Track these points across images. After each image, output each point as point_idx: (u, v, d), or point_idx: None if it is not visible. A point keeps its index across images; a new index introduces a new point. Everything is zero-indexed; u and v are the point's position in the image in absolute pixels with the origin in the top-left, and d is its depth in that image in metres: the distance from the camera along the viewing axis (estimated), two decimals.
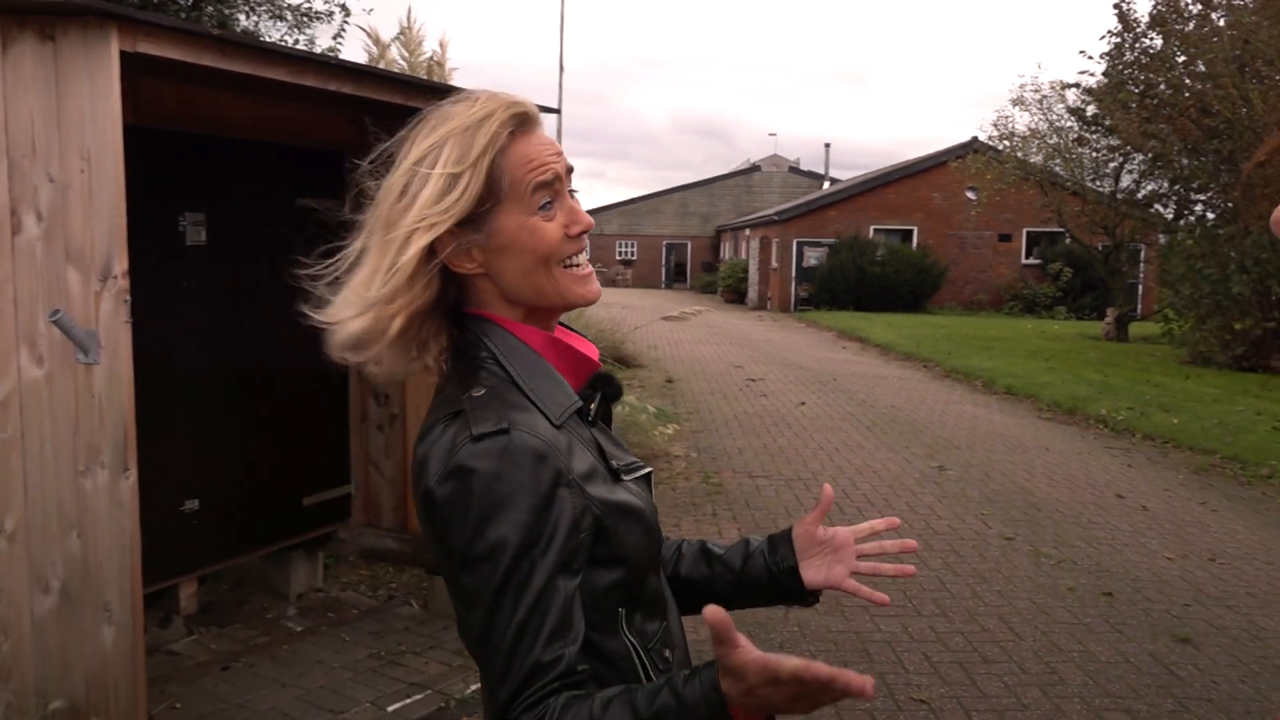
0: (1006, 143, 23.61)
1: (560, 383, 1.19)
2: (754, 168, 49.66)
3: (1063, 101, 22.16)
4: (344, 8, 8.73)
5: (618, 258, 48.06)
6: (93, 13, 2.65)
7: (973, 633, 4.53)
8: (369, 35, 8.23)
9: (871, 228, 30.54)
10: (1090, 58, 33.37)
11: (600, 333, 12.22)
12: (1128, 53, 18.12)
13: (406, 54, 8.31)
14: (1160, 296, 19.55)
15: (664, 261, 48.85)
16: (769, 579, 1.41)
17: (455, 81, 8.39)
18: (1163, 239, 19.42)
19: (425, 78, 7.97)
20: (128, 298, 2.79)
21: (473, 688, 3.83)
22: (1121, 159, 20.52)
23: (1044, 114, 23.17)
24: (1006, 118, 24.75)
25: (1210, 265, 15.43)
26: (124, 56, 2.73)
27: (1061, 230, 24.36)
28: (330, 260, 1.23)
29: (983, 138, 26.46)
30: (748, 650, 0.95)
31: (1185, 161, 16.48)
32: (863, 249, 28.85)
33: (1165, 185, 18.57)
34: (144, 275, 3.49)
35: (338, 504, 4.88)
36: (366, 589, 4.97)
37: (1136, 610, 4.87)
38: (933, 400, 11.98)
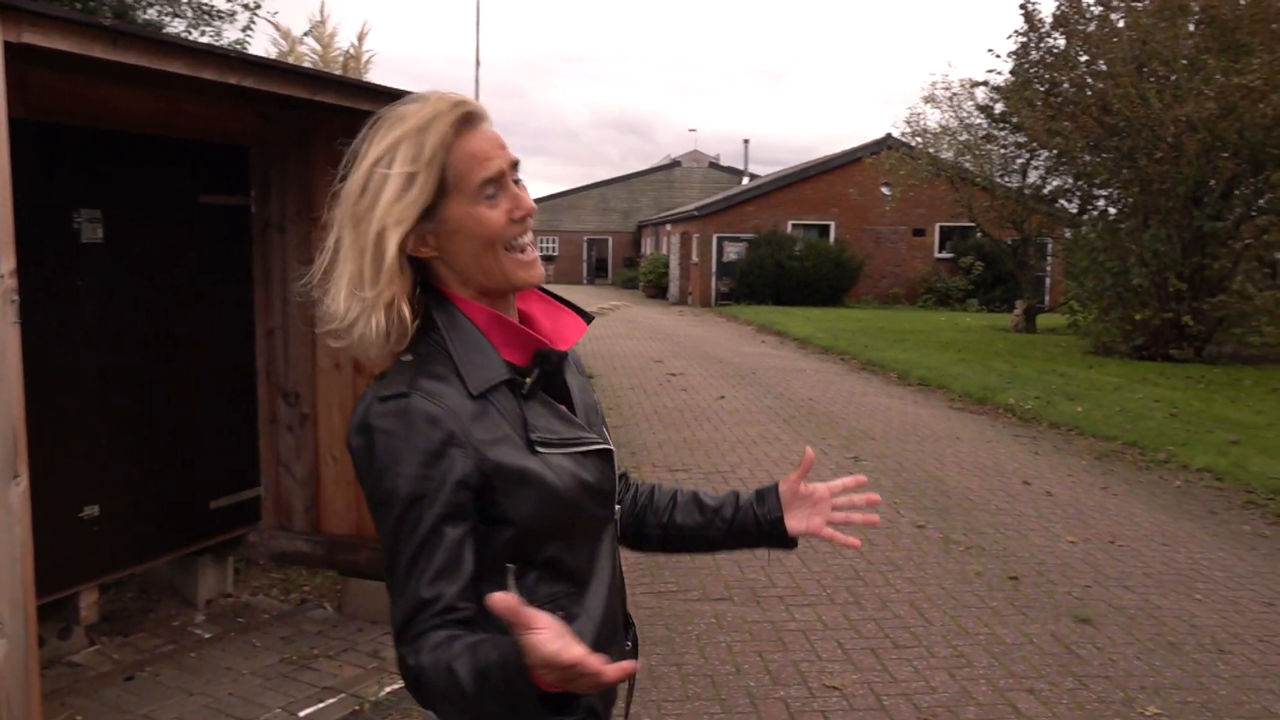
0: (919, 139, 24.13)
1: (491, 358, 1.31)
2: (674, 163, 49.87)
3: (972, 99, 22.73)
4: (249, 5, 8.52)
5: (539, 253, 47.76)
6: None
7: (884, 619, 4.63)
8: (278, 30, 8.06)
9: (790, 223, 30.93)
10: (998, 56, 34.34)
11: None
12: (1033, 52, 18.65)
13: (320, 48, 8.15)
14: (1066, 289, 20.19)
15: (585, 257, 48.78)
16: (757, 527, 1.60)
17: (372, 75, 8.26)
18: (1068, 233, 20.05)
19: (337, 72, 7.84)
20: (15, 297, 2.69)
21: (387, 690, 3.79)
22: (1028, 155, 21.12)
23: (954, 111, 23.75)
24: (919, 115, 25.36)
25: (1112, 258, 15.98)
26: (9, 47, 2.63)
27: (972, 225, 25.00)
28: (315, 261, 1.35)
29: (896, 134, 27.01)
30: (538, 636, 1.02)
31: (1087, 158, 17.04)
32: (781, 244, 29.21)
33: (1069, 181, 19.19)
34: (35, 274, 3.37)
35: (247, 507, 4.77)
36: (278, 593, 4.87)
37: (1040, 593, 5.03)
38: (849, 392, 12.19)
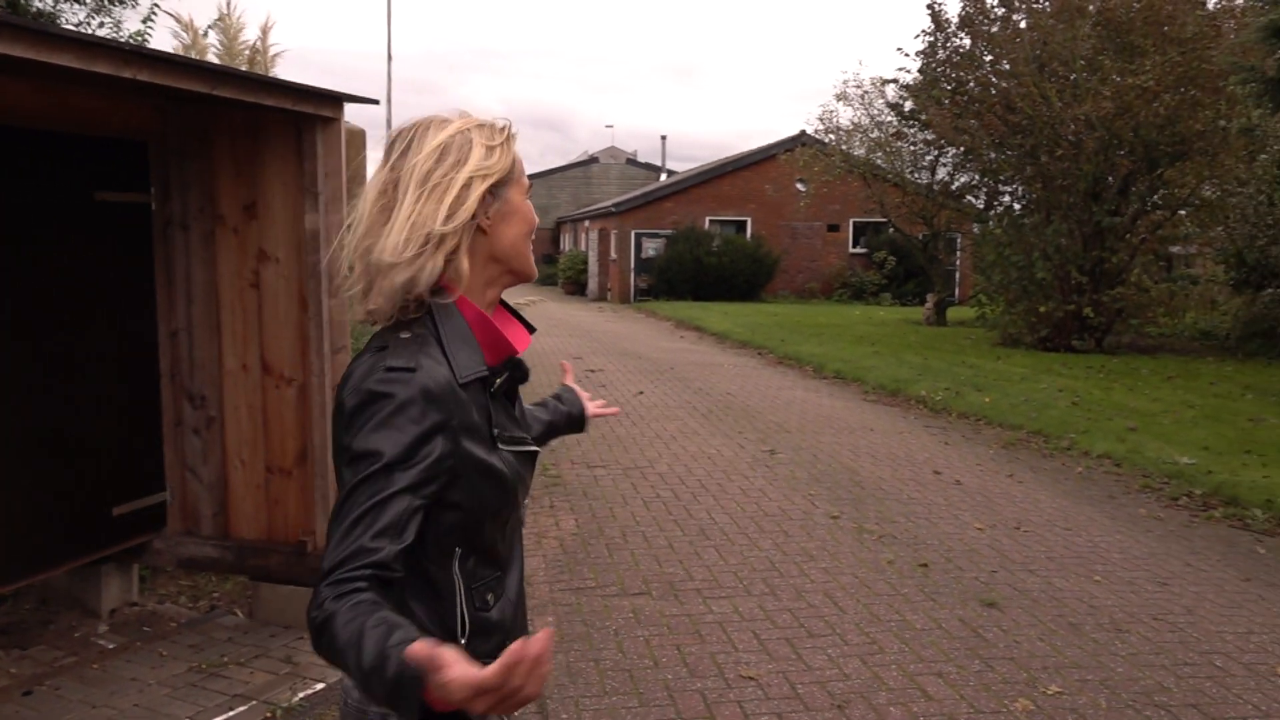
0: (832, 136, 24.51)
1: (475, 352, 1.45)
2: (592, 159, 49.83)
3: (882, 97, 23.19)
4: None
5: None
6: None
7: (799, 609, 4.71)
8: (180, 22, 7.81)
9: (707, 219, 31.15)
10: (907, 55, 35.00)
11: None
12: (940, 51, 19.11)
13: (225, 40, 7.93)
14: (975, 283, 20.74)
15: None
16: (567, 418, 2.05)
17: (279, 69, 8.08)
18: (975, 228, 20.61)
19: (243, 67, 7.64)
20: None
21: (300, 695, 3.73)
22: (936, 152, 21.64)
23: (866, 109, 24.19)
24: (831, 112, 25.87)
25: (1017, 253, 16.47)
26: None
27: (885, 220, 25.50)
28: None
29: (810, 131, 27.38)
30: (448, 681, 1.08)
31: (993, 155, 17.54)
32: (699, 240, 29.41)
33: (976, 178, 19.73)
34: None
35: (152, 512, 4.63)
36: (186, 600, 4.75)
37: (949, 579, 5.17)
38: (766, 386, 12.35)
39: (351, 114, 4.50)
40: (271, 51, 8.17)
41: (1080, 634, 4.44)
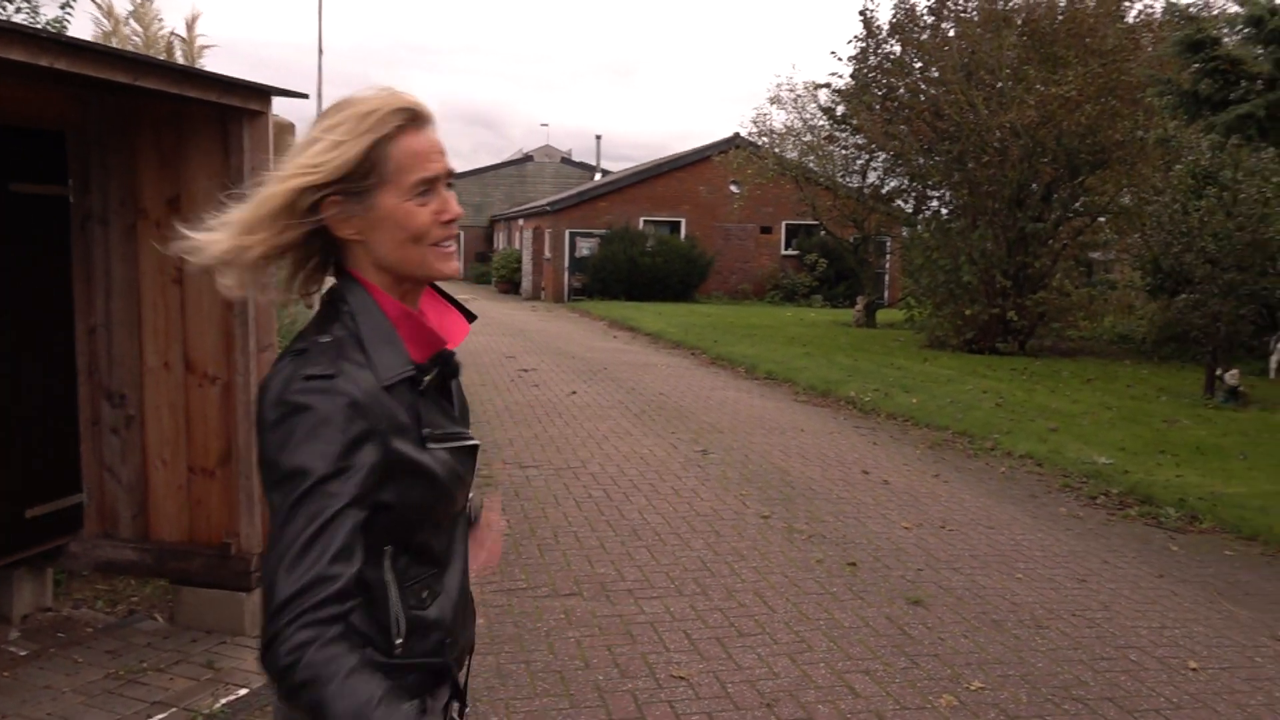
0: (765, 139, 24.75)
1: (399, 350, 1.38)
2: (527, 158, 49.57)
3: (815, 101, 23.47)
4: None
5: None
6: None
7: (730, 609, 4.74)
8: (101, 8, 7.58)
9: (642, 219, 31.20)
10: (840, 59, 35.49)
11: None
12: (871, 57, 19.40)
13: (142, 30, 7.72)
14: (903, 285, 21.12)
15: None
16: None
17: (207, 61, 7.89)
18: (904, 232, 20.98)
19: (160, 56, 7.45)
20: None
21: (222, 701, 3.64)
22: (867, 157, 21.98)
23: (799, 113, 24.49)
24: (765, 115, 26.06)
25: (944, 257, 16.81)
26: None
27: (816, 223, 25.81)
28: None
29: (744, 134, 27.60)
30: None
31: (921, 161, 17.86)
32: (633, 240, 29.44)
33: (905, 182, 20.06)
34: None
35: (68, 514, 4.49)
36: (104, 605, 4.61)
37: (877, 577, 5.25)
38: (699, 386, 12.41)
39: (282, 107, 4.42)
40: (199, 43, 7.98)
41: (1002, 630, 4.54)
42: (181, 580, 4.40)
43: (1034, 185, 16.35)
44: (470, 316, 1.60)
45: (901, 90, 18.26)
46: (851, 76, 20.01)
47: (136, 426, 4.48)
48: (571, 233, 30.81)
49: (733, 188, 29.04)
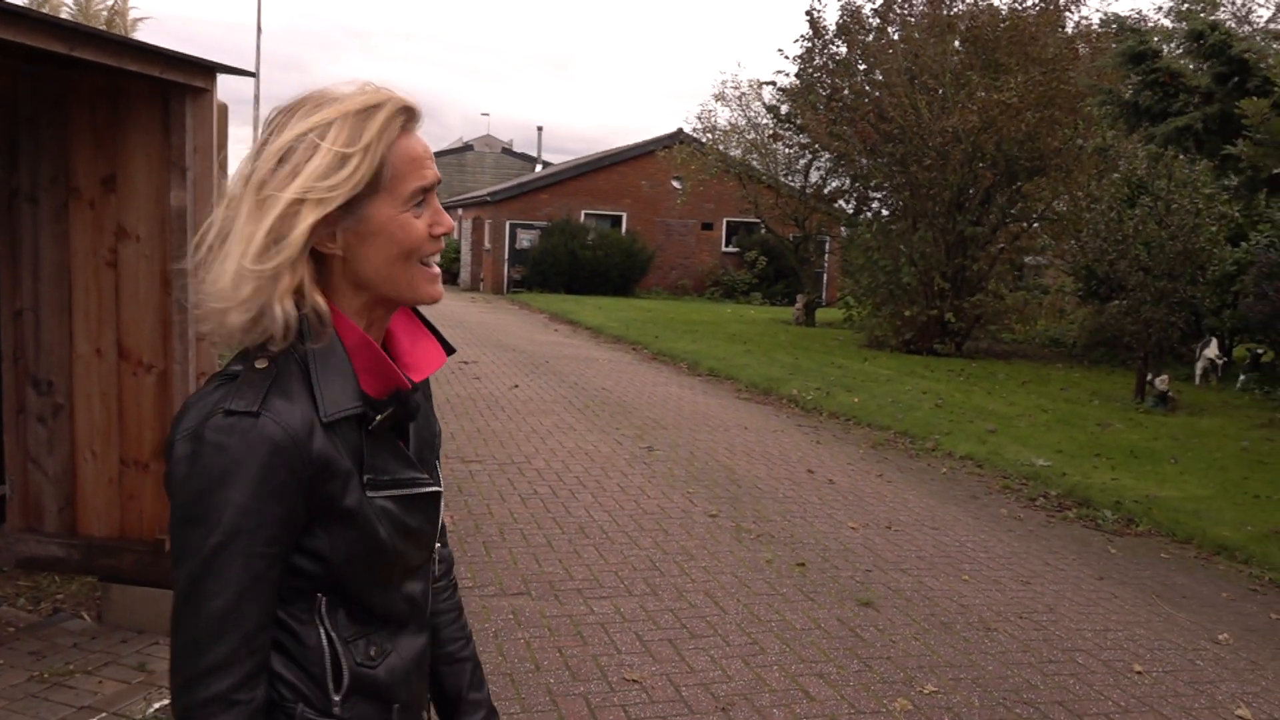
0: (709, 136, 24.78)
1: (349, 384, 1.19)
2: (466, 147, 49.03)
3: (759, 99, 23.57)
4: None
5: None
6: None
7: (681, 609, 4.68)
8: None
9: (583, 212, 31.06)
10: (787, 58, 35.71)
11: None
12: (817, 58, 19.52)
13: (80, 2, 7.42)
14: (842, 285, 21.31)
15: None
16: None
17: (141, 33, 7.60)
18: (844, 231, 21.16)
19: (101, 27, 7.15)
20: None
21: (155, 706, 3.47)
22: (810, 156, 22.14)
23: (743, 110, 24.55)
24: (710, 112, 26.05)
25: (885, 258, 16.99)
26: None
27: (758, 221, 25.94)
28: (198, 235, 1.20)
29: (688, 130, 27.61)
30: None
31: (864, 162, 18.03)
32: (574, 233, 29.29)
33: (847, 183, 20.24)
34: None
35: None
36: (26, 602, 4.39)
37: (826, 578, 5.24)
38: (641, 382, 12.35)
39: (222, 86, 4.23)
40: (132, 15, 7.71)
41: (952, 633, 4.55)
42: (111, 577, 4.21)
43: (973, 190, 16.60)
44: (449, 349, 1.38)
45: (846, 91, 18.40)
46: (797, 76, 20.12)
47: (65, 416, 4.26)
48: (512, 224, 30.55)
49: (675, 183, 29.03)
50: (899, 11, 17.88)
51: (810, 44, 19.60)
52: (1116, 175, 14.20)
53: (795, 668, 4.08)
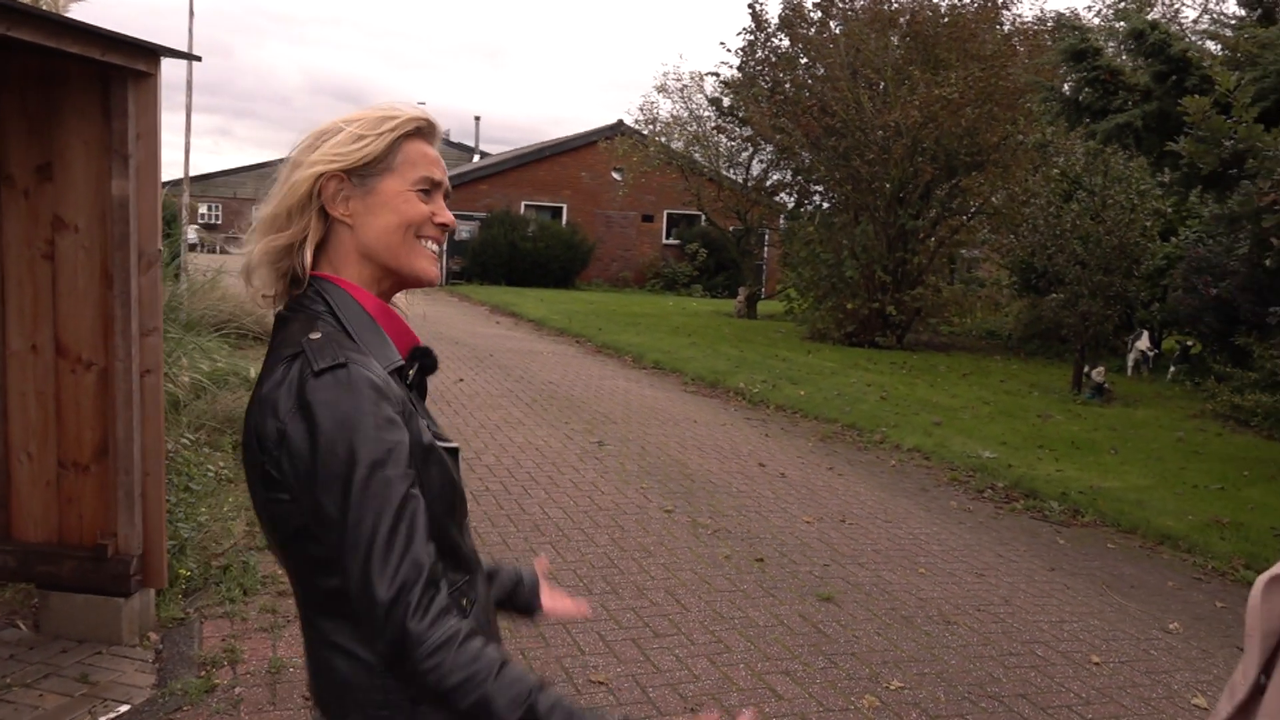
0: (651, 127, 24.71)
1: (386, 342, 1.36)
2: None
3: (701, 91, 23.56)
4: None
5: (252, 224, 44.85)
6: None
7: (642, 608, 4.62)
8: None
9: (523, 203, 30.79)
10: (729, 50, 35.77)
11: (239, 306, 11.21)
12: (760, 50, 19.57)
13: None
14: (783, 278, 21.41)
15: None
16: (523, 606, 1.75)
17: (74, 13, 7.27)
18: (783, 223, 21.27)
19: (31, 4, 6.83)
20: None
21: (102, 719, 3.32)
22: (752, 149, 22.19)
23: (685, 102, 24.52)
24: (651, 103, 25.98)
25: (827, 251, 17.10)
26: None
27: (699, 213, 25.95)
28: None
29: (629, 121, 27.51)
30: None
31: (806, 155, 18.11)
32: (514, 224, 29.00)
33: (789, 175, 20.33)
34: None
35: None
36: None
37: (785, 573, 5.22)
38: (588, 375, 12.27)
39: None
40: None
41: (913, 627, 4.56)
42: (50, 585, 4.01)
43: (913, 184, 16.78)
44: (423, 350, 1.54)
45: (788, 85, 18.46)
46: (739, 69, 20.14)
47: None
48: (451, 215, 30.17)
49: (615, 175, 28.92)
50: (841, 6, 17.99)
51: (752, 36, 19.64)
52: (1055, 171, 14.45)
53: (761, 665, 4.05)
